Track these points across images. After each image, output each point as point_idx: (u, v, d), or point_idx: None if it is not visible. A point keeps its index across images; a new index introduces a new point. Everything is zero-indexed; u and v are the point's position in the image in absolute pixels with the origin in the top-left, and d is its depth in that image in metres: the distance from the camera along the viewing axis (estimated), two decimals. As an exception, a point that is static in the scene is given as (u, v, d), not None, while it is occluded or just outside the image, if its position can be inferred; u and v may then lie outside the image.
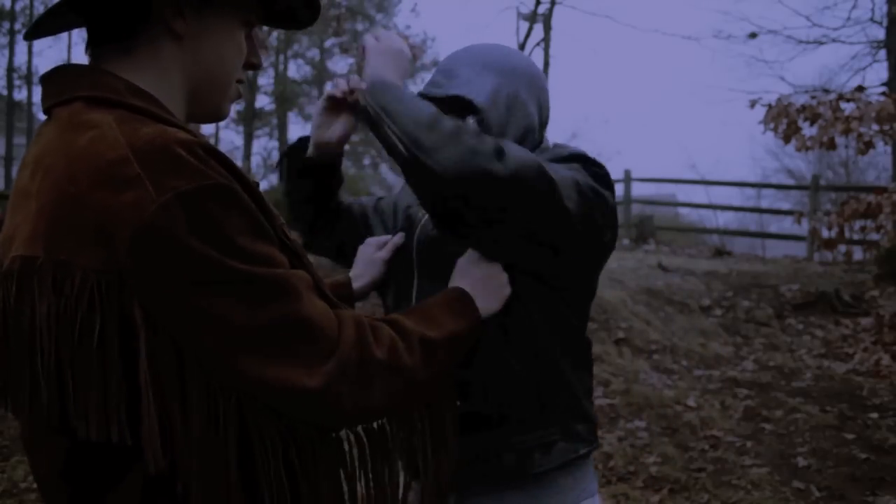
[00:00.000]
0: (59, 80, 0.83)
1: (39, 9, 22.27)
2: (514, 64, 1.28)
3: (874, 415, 4.25)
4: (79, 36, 33.37)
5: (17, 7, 21.53)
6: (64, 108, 0.80)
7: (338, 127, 1.28)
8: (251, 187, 0.79)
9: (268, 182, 25.25)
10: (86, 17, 0.85)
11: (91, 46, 0.85)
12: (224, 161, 0.77)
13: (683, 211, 19.23)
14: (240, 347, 0.74)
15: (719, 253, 11.29)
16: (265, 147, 28.19)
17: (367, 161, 28.32)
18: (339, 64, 26.35)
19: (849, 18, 14.97)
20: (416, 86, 28.84)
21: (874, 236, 6.75)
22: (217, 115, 0.94)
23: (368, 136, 28.54)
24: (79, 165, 0.74)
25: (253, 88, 24.17)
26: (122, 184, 0.71)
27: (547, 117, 1.32)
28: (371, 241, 1.35)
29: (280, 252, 0.80)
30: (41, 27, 0.87)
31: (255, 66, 0.94)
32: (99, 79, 0.81)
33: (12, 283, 0.75)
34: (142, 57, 0.84)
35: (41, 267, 0.73)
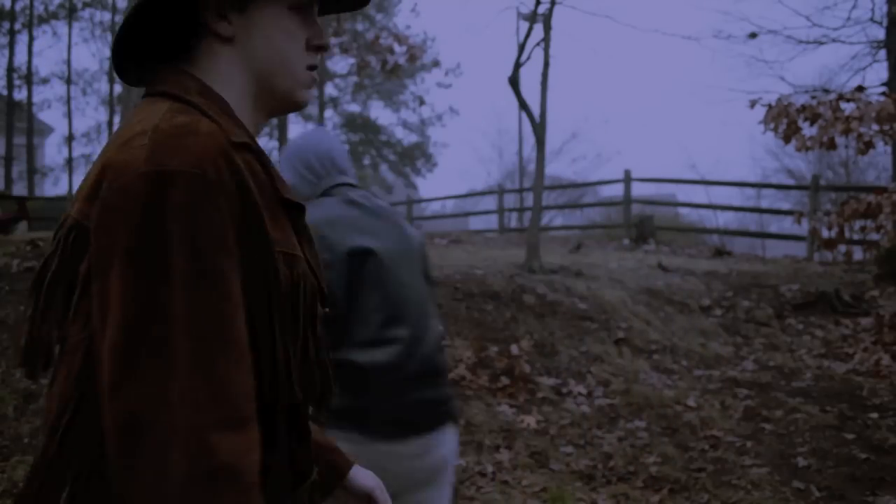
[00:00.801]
0: (155, 78, 0.88)
1: (39, 9, 22.28)
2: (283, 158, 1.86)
3: (874, 415, 4.25)
4: (79, 36, 33.17)
5: (18, 7, 21.52)
6: (147, 101, 0.85)
7: None
8: (257, 210, 0.77)
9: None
10: (139, 45, 0.89)
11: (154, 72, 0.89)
12: (254, 172, 0.79)
13: (683, 211, 19.24)
14: (124, 344, 0.68)
15: (719, 253, 11.28)
16: (265, 147, 28.07)
17: (366, 161, 28.32)
18: (339, 64, 26.35)
19: (849, 18, 14.96)
20: (416, 86, 28.61)
21: (874, 236, 6.75)
22: (293, 104, 0.94)
23: (368, 136, 28.54)
24: (118, 138, 0.79)
25: (253, 88, 24.14)
26: (127, 150, 0.74)
27: (321, 163, 1.81)
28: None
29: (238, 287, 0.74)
30: (128, 73, 0.92)
31: (321, 48, 0.92)
32: (179, 78, 0.85)
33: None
34: (204, 69, 0.87)
35: (61, 224, 0.81)
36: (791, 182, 21.49)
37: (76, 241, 0.75)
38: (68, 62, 22.79)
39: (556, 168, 26.82)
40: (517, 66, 7.76)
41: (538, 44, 7.83)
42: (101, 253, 0.71)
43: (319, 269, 0.91)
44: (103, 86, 25.53)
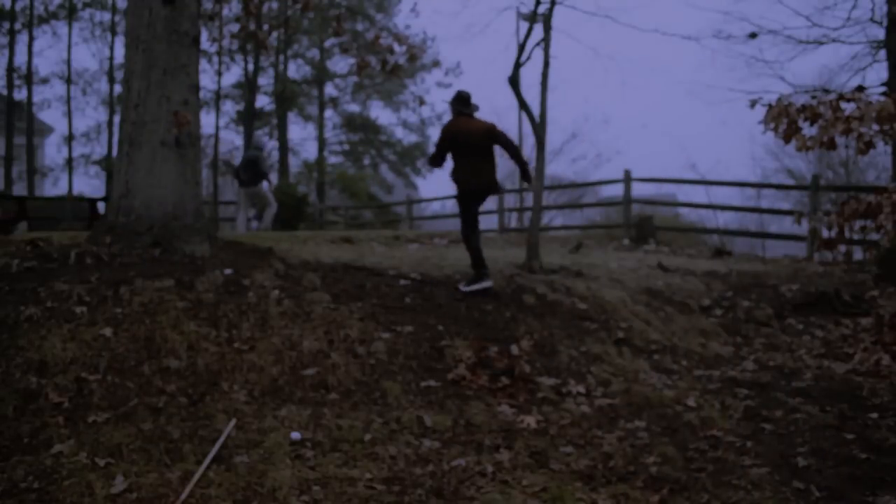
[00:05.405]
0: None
1: (39, 9, 22.27)
2: None
3: (874, 415, 4.25)
4: (79, 36, 33.16)
5: (18, 7, 21.51)
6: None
7: None
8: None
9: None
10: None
11: None
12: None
13: (683, 211, 19.23)
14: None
15: (719, 253, 11.28)
16: (266, 145, 28.04)
17: (366, 161, 28.30)
18: (339, 64, 26.37)
19: (849, 18, 14.87)
20: (416, 86, 28.50)
21: (874, 236, 6.75)
22: None
23: (368, 136, 28.43)
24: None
25: (253, 88, 24.15)
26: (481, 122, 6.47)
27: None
28: None
29: None
30: None
31: None
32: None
33: None
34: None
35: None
36: (791, 182, 21.49)
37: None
38: (68, 62, 22.79)
39: (556, 168, 26.78)
40: (517, 66, 7.75)
41: (538, 44, 7.83)
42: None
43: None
44: (103, 86, 25.54)
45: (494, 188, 6.24)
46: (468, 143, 6.04)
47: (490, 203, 18.48)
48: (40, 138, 25.19)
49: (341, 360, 4.26)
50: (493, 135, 6.15)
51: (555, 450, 3.55)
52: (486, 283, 5.93)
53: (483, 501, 3.01)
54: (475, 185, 6.09)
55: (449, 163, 6.24)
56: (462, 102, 6.24)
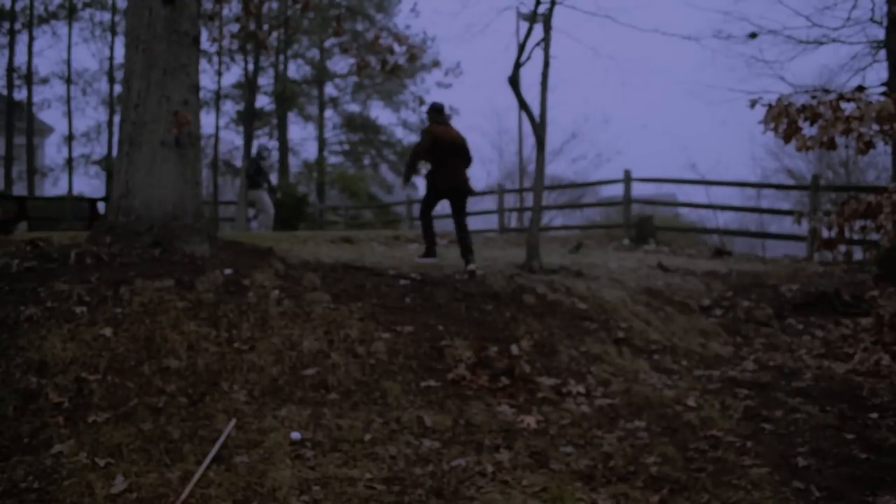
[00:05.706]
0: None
1: (39, 9, 22.27)
2: None
3: (874, 415, 4.25)
4: (79, 36, 33.06)
5: (18, 7, 21.51)
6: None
7: None
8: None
9: (268, 182, 25.12)
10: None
11: None
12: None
13: (683, 211, 19.23)
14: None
15: (719, 253, 11.29)
16: (266, 144, 28.01)
17: (366, 161, 28.29)
18: (339, 64, 26.36)
19: (849, 18, 14.85)
20: (416, 86, 28.45)
21: (874, 236, 6.75)
22: None
23: (368, 136, 28.39)
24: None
25: (253, 88, 24.13)
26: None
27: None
28: None
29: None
30: None
31: None
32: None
33: None
34: None
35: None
36: (791, 182, 21.48)
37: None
38: (68, 62, 22.78)
39: (556, 168, 26.80)
40: (517, 66, 7.75)
41: (538, 44, 7.83)
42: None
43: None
44: (103, 86, 25.51)
45: (467, 188, 7.12)
46: (446, 147, 6.92)
47: (490, 203, 18.56)
48: (40, 138, 25.18)
49: (341, 360, 4.26)
50: (464, 143, 7.12)
51: (555, 450, 3.55)
52: (432, 260, 7.18)
53: (483, 501, 3.01)
54: (451, 183, 6.98)
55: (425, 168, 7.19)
56: (438, 112, 7.17)
